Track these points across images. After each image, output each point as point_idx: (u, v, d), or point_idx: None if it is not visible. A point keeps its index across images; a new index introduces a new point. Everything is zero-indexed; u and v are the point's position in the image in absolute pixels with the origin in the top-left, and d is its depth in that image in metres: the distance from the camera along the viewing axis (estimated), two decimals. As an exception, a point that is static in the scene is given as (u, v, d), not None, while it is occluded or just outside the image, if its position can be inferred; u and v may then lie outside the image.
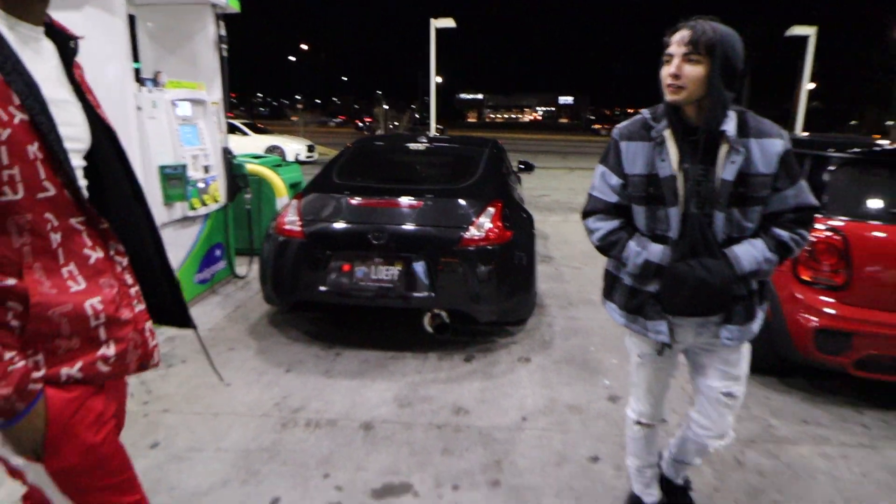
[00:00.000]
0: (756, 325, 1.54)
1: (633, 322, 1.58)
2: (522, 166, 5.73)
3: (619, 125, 1.57)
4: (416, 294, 2.98)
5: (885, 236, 2.61)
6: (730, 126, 1.38)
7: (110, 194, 1.08)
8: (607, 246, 1.55)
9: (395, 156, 4.27)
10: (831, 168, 2.84)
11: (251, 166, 4.64)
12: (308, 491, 1.96)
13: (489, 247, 3.04)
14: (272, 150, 13.55)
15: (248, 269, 4.33)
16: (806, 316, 2.66)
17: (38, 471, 0.94)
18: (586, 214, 1.61)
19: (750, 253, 1.43)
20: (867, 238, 2.63)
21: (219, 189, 4.01)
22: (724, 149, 1.40)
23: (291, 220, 3.16)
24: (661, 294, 1.48)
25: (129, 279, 1.05)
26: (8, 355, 0.86)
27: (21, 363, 0.87)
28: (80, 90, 1.04)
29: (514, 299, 3.16)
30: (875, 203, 2.76)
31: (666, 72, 1.39)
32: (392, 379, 2.82)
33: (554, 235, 6.50)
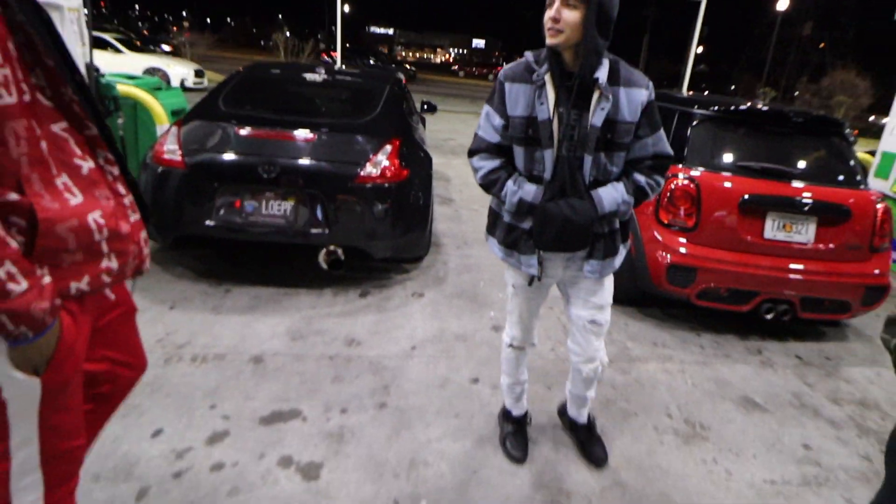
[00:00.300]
0: (617, 261, 1.70)
1: (509, 256, 1.70)
2: (426, 106, 5.68)
3: (505, 66, 1.61)
4: (310, 230, 2.94)
5: (729, 186, 3.01)
6: (602, 74, 1.46)
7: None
8: (488, 184, 1.63)
9: (289, 86, 4.02)
10: (693, 123, 3.17)
11: (123, 87, 4.13)
12: (193, 420, 1.96)
13: (385, 184, 3.05)
14: (153, 72, 12.05)
15: (125, 202, 3.96)
16: (662, 253, 3.04)
17: (27, 386, 0.89)
18: (471, 153, 1.67)
19: (611, 195, 1.55)
20: (715, 187, 3.01)
21: (83, 110, 3.55)
22: (595, 95, 1.48)
23: (171, 149, 2.92)
24: (532, 230, 1.59)
25: (121, 189, 1.02)
26: (38, 271, 0.85)
27: (48, 278, 0.86)
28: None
29: (409, 237, 3.24)
30: (725, 156, 3.14)
31: (547, 15, 1.44)
32: (285, 314, 2.81)
33: (456, 178, 6.63)
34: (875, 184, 4.73)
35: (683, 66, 15.72)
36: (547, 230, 1.54)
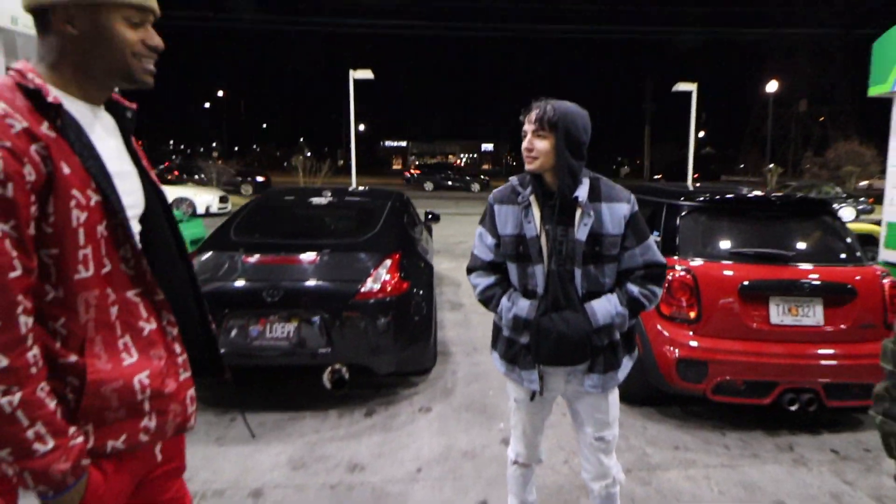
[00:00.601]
0: (621, 374, 1.68)
1: (510, 371, 1.71)
2: (430, 216, 5.96)
3: (494, 190, 1.74)
4: (313, 350, 2.98)
5: (727, 273, 3.01)
6: (582, 192, 1.58)
7: (158, 253, 1.12)
8: (486, 300, 1.70)
9: (296, 210, 4.31)
10: (682, 214, 3.25)
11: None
12: (184, 571, 1.87)
13: (386, 298, 3.13)
14: (180, 202, 12.99)
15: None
16: (669, 348, 2.97)
17: None
18: (469, 271, 1.76)
19: (605, 307, 1.58)
20: (713, 275, 3.01)
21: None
22: (578, 212, 1.59)
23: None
24: (529, 345, 1.61)
25: (177, 348, 1.10)
26: (71, 429, 0.91)
27: (80, 439, 0.92)
28: (137, 157, 1.12)
29: (413, 349, 3.25)
30: (719, 244, 3.18)
31: (523, 145, 1.60)
32: (288, 441, 2.77)
33: (466, 282, 6.67)
34: (887, 254, 4.65)
35: (686, 152, 16.49)
36: (543, 345, 1.57)
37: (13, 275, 0.84)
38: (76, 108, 0.98)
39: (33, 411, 0.85)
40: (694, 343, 2.94)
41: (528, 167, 1.60)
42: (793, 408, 2.82)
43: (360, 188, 5.48)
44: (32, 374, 0.86)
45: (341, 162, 36.06)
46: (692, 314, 2.97)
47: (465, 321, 4.96)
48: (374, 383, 3.45)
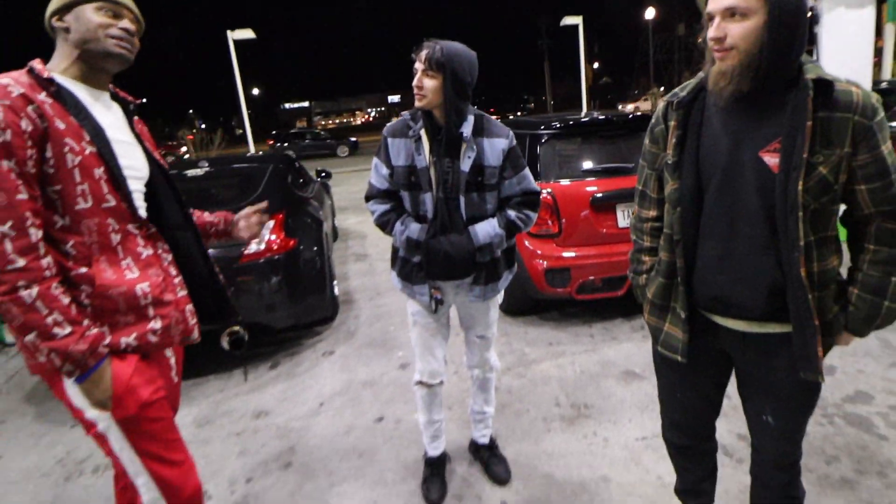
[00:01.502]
0: (501, 285, 1.89)
1: (405, 287, 1.88)
2: (323, 174, 5.96)
3: (388, 124, 1.84)
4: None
5: (579, 190, 3.37)
6: (466, 128, 1.71)
7: (165, 215, 1.38)
8: (382, 224, 1.84)
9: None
10: (542, 142, 3.56)
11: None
12: (94, 530, 1.98)
13: (274, 257, 3.22)
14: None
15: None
16: (538, 261, 3.33)
17: (105, 419, 1.20)
18: (367, 198, 1.88)
19: (485, 229, 1.76)
20: (568, 193, 3.37)
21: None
22: (463, 146, 1.72)
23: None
24: (421, 263, 1.79)
25: (173, 271, 1.35)
26: (86, 322, 1.15)
27: (95, 330, 1.16)
28: (140, 138, 1.38)
29: (308, 302, 3.39)
30: (571, 165, 3.53)
31: (413, 83, 1.68)
32: (192, 404, 2.87)
33: (372, 234, 6.83)
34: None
35: (580, 85, 17.13)
36: (433, 262, 1.75)
37: (20, 196, 1.08)
38: (79, 89, 1.24)
39: (50, 302, 1.09)
40: (558, 254, 3.32)
41: (417, 104, 1.70)
42: (641, 295, 3.31)
43: (247, 155, 5.35)
44: (46, 275, 1.10)
45: (239, 131, 33.79)
46: (555, 229, 3.34)
47: (369, 269, 5.14)
48: (280, 339, 3.58)
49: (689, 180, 1.25)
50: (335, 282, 3.97)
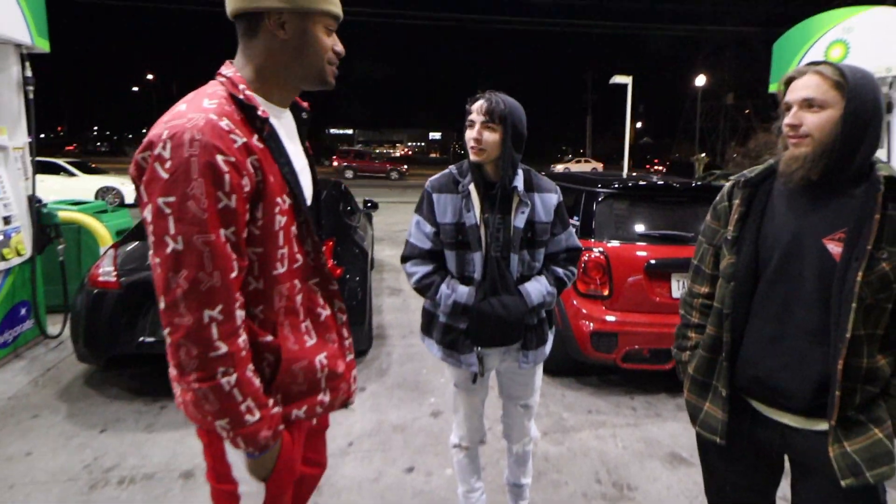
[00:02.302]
0: (547, 348, 1.81)
1: (448, 356, 1.75)
2: (369, 204, 6.03)
3: (430, 178, 1.76)
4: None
5: (635, 254, 3.29)
6: (519, 182, 1.66)
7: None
8: (423, 288, 1.71)
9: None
10: (598, 200, 3.52)
11: (66, 214, 4.30)
12: (112, 549, 1.92)
13: (319, 284, 3.20)
14: (106, 192, 12.29)
15: (63, 327, 3.96)
16: (585, 322, 3.23)
17: (254, 494, 1.09)
18: (404, 259, 1.75)
19: (537, 288, 1.69)
20: (623, 255, 3.29)
21: (23, 241, 3.67)
22: (515, 201, 1.66)
23: (107, 271, 3.04)
24: (468, 330, 1.68)
25: (345, 332, 1.22)
26: (270, 402, 1.03)
27: (277, 409, 1.04)
28: (308, 153, 1.22)
29: (347, 332, 3.35)
30: (627, 227, 3.46)
31: (469, 135, 1.64)
32: (221, 423, 2.81)
33: (407, 267, 6.85)
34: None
35: (622, 142, 17.23)
36: (483, 329, 1.64)
37: (233, 275, 0.94)
38: (273, 113, 1.07)
39: (245, 388, 0.96)
40: (606, 317, 3.22)
41: (473, 158, 1.64)
42: (690, 371, 3.16)
43: None
44: (243, 357, 0.97)
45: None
46: (605, 291, 3.25)
47: (403, 306, 5.10)
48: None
49: (747, 256, 1.26)
50: (372, 315, 3.93)
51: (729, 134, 47.25)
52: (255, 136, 0.99)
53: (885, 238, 1.10)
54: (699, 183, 3.74)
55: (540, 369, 1.89)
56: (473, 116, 1.64)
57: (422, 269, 1.71)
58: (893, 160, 4.33)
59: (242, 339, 0.97)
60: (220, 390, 0.94)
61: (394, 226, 10.40)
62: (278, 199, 1.01)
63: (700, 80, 32.01)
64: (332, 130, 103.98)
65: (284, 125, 1.12)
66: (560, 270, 1.76)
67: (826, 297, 1.15)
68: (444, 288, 1.67)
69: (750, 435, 1.31)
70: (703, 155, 36.05)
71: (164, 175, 0.89)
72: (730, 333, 1.28)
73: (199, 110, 0.94)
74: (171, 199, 0.89)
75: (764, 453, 1.32)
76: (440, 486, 2.34)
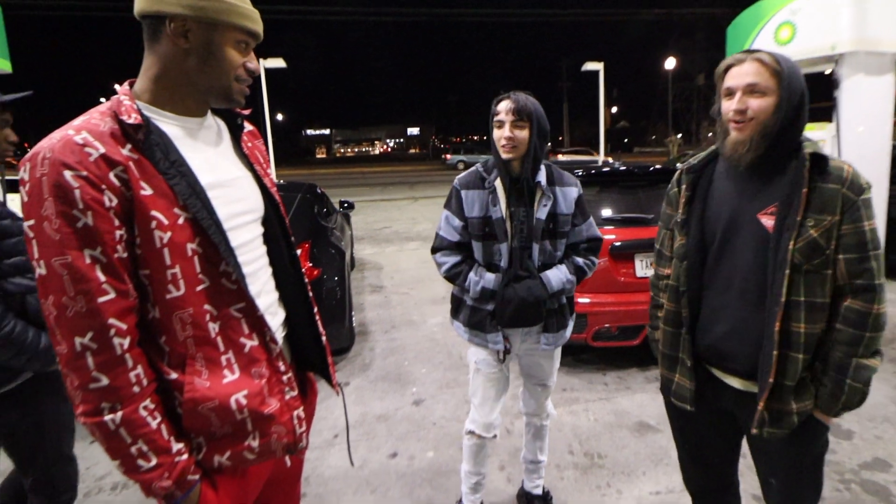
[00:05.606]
0: (567, 332, 1.92)
1: (474, 336, 1.87)
2: (345, 205, 6.12)
3: (458, 176, 1.88)
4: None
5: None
6: (542, 177, 1.77)
7: (273, 258, 1.15)
8: (453, 276, 1.86)
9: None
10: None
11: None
12: (111, 548, 2.01)
13: (298, 286, 3.30)
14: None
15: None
16: (555, 306, 3.38)
17: None
18: (434, 250, 1.90)
19: (557, 276, 1.81)
20: (588, 240, 3.44)
21: None
22: (538, 194, 1.77)
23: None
24: (494, 312, 1.81)
25: (281, 366, 1.07)
26: (176, 447, 0.93)
27: (184, 456, 0.94)
28: (250, 161, 1.13)
29: (327, 332, 3.43)
30: (594, 212, 3.60)
31: (501, 134, 1.72)
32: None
33: (388, 265, 6.95)
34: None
35: (597, 128, 17.47)
36: (506, 310, 1.77)
37: (103, 299, 0.86)
38: (173, 122, 0.99)
39: (135, 429, 0.89)
40: (577, 299, 3.36)
41: (505, 155, 1.72)
42: (656, 345, 3.33)
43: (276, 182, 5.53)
44: (134, 392, 0.89)
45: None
46: (572, 274, 3.40)
47: (385, 302, 5.21)
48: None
49: (695, 236, 1.38)
50: (353, 312, 4.04)
51: (702, 114, 48.00)
52: (128, 147, 0.90)
53: (812, 208, 1.21)
54: (658, 167, 3.91)
55: (559, 353, 2.01)
56: (502, 116, 1.72)
57: (451, 260, 1.85)
58: (842, 135, 4.55)
59: (134, 373, 0.89)
60: (104, 428, 0.88)
61: (374, 224, 10.48)
62: (155, 213, 0.90)
63: (670, 63, 32.47)
64: (309, 132, 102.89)
65: (203, 134, 1.05)
66: (580, 260, 1.88)
67: (763, 266, 1.26)
68: (472, 276, 1.81)
69: (714, 400, 1.43)
70: (679, 136, 36.57)
71: (25, 198, 0.86)
72: (687, 308, 1.39)
73: (65, 128, 0.89)
74: (31, 221, 0.85)
75: (725, 417, 1.45)
76: (422, 469, 2.47)
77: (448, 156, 35.00)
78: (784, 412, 1.26)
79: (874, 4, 4.37)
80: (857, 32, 4.38)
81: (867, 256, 1.21)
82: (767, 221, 1.26)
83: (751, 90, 1.23)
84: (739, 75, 1.25)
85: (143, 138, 0.91)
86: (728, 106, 1.27)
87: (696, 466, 1.61)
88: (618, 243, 3.40)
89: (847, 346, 1.23)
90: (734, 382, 1.37)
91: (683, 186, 1.43)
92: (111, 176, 0.87)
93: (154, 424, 0.91)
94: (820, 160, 1.22)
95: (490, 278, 1.79)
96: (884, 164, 4.63)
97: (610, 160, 7.46)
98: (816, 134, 4.76)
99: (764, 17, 5.20)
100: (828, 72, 4.86)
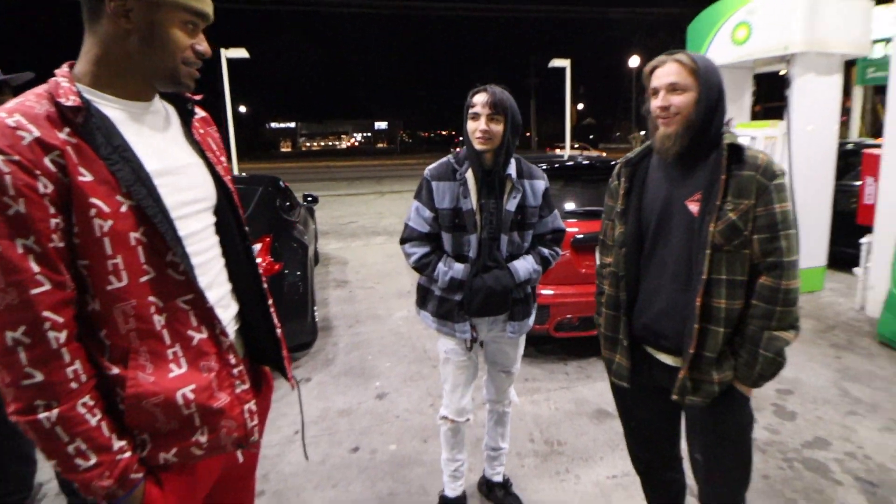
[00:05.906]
0: (531, 321, 1.96)
1: (442, 325, 1.89)
2: (309, 199, 6.02)
3: (429, 167, 1.87)
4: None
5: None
6: (512, 170, 1.79)
7: (226, 248, 1.11)
8: (421, 267, 1.86)
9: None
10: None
11: None
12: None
13: (257, 280, 3.23)
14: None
15: None
16: (518, 298, 3.41)
17: None
18: (403, 241, 1.89)
19: (524, 266, 1.84)
20: (550, 232, 3.48)
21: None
22: (508, 187, 1.79)
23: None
24: (462, 301, 1.82)
25: (232, 359, 1.03)
26: (117, 445, 0.90)
27: (127, 454, 0.91)
28: (202, 149, 1.09)
29: (289, 326, 3.39)
30: (557, 205, 3.66)
31: (476, 126, 1.73)
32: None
33: (353, 260, 6.87)
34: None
35: (564, 124, 17.70)
36: (474, 300, 1.80)
37: (37, 291, 0.82)
38: (115, 106, 0.95)
39: (72, 427, 0.85)
40: (540, 291, 3.41)
41: (480, 147, 1.74)
42: (616, 335, 3.41)
43: (236, 176, 5.39)
44: (71, 388, 0.85)
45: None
46: (534, 266, 3.44)
47: (349, 297, 5.16)
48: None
49: (633, 225, 1.48)
50: (315, 307, 3.98)
51: (665, 111, 49.06)
52: (66, 130, 0.86)
53: (730, 193, 1.31)
54: (613, 161, 3.98)
55: (523, 340, 2.04)
56: (478, 109, 1.73)
57: (420, 251, 1.86)
58: (793, 133, 4.75)
59: (72, 368, 0.86)
60: (38, 426, 0.84)
61: (339, 219, 10.35)
62: (94, 201, 0.86)
63: (634, 61, 33.17)
64: (273, 125, 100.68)
65: (149, 119, 1.01)
66: (546, 251, 1.92)
67: (690, 248, 1.36)
68: (441, 266, 1.82)
69: (649, 377, 1.51)
70: (642, 133, 37.44)
71: None
72: (625, 292, 1.49)
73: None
74: None
75: (662, 393, 1.50)
76: (384, 462, 2.46)
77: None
78: (705, 381, 1.36)
79: (825, 6, 4.56)
80: (808, 33, 4.56)
81: (777, 236, 1.30)
82: (694, 207, 1.36)
83: (672, 88, 1.34)
84: (662, 75, 1.35)
85: (83, 122, 0.87)
86: (655, 103, 1.37)
87: (638, 444, 1.69)
88: (580, 236, 3.45)
89: (760, 319, 1.32)
90: (666, 359, 1.46)
91: (622, 179, 1.52)
92: (46, 161, 0.83)
93: (93, 422, 0.88)
94: (737, 150, 1.33)
95: (459, 269, 1.81)
96: (831, 162, 4.86)
97: (604, 155, 7.65)
98: (769, 131, 4.96)
99: (722, 16, 5.36)
100: (782, 72, 5.05)
